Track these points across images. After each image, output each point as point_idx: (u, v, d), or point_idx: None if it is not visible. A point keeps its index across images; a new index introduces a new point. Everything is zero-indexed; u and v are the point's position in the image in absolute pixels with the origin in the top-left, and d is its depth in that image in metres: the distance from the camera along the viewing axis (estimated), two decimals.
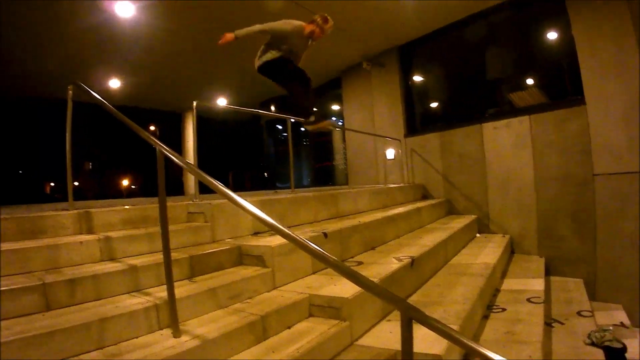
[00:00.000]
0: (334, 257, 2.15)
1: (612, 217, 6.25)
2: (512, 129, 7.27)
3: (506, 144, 7.31)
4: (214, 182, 2.50)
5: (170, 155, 2.67)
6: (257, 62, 5.28)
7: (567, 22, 6.72)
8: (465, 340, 1.86)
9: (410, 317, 1.91)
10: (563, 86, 7.27)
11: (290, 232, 2.27)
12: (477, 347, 1.84)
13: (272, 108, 13.57)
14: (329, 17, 5.08)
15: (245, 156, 16.78)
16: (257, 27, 4.93)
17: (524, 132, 7.09)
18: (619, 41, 6.21)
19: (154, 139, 2.80)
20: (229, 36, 4.88)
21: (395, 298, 2.05)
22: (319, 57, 9.96)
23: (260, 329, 2.85)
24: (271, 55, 5.18)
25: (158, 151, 2.68)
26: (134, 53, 9.17)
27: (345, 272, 2.13)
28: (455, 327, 3.34)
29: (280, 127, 15.19)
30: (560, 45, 7.25)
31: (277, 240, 3.71)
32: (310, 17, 5.09)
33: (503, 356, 2.91)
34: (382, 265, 4.23)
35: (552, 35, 7.46)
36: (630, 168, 6.10)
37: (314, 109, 5.79)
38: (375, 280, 3.65)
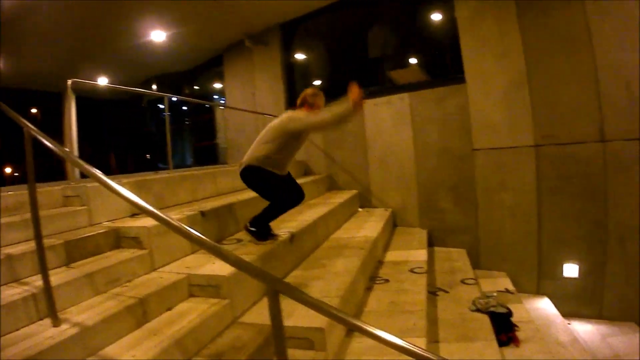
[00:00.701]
0: (198, 234, 2.16)
1: (491, 190, 6.69)
2: (392, 105, 7.49)
3: (386, 120, 7.53)
4: (83, 164, 2.43)
5: (38, 136, 2.53)
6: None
7: (451, 3, 7.01)
8: (330, 309, 1.95)
9: (276, 290, 1.95)
10: (444, 65, 7.62)
11: (160, 214, 2.23)
12: (340, 315, 1.96)
13: (154, 87, 13.17)
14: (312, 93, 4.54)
15: (128, 137, 16.17)
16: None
17: (404, 109, 7.35)
18: (501, 22, 6.60)
19: (23, 119, 2.62)
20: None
21: (260, 272, 2.07)
22: (200, 34, 9.69)
23: (140, 312, 2.83)
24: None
25: (26, 132, 2.59)
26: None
27: (212, 250, 2.14)
28: (336, 300, 3.52)
29: (162, 106, 14.77)
30: (443, 25, 7.54)
31: (153, 220, 3.66)
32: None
33: (388, 325, 3.15)
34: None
35: (435, 16, 7.72)
36: (508, 143, 6.57)
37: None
38: (254, 257, 3.72)
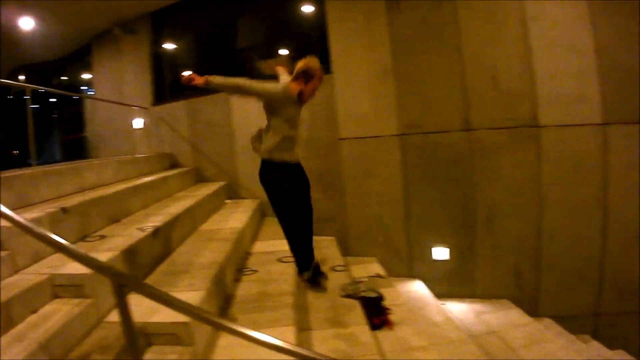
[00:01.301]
0: (40, 230, 2.12)
1: (358, 178, 6.81)
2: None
3: (253, 111, 7.17)
4: None
5: None
6: (264, 154, 4.37)
7: None
8: (177, 302, 1.96)
9: (121, 285, 1.92)
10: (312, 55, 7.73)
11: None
12: (187, 307, 1.97)
13: (21, 77, 12.31)
14: (312, 65, 4.25)
15: None
16: (238, 80, 4.10)
17: None
18: (370, 16, 6.73)
19: None
20: (199, 80, 4.03)
21: (104, 267, 2.11)
22: (67, 22, 9.13)
23: (5, 318, 2.62)
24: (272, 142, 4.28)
25: None
26: None
27: (54, 245, 2.10)
28: (202, 292, 3.45)
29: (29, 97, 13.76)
30: (312, 16, 7.55)
31: None
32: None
33: (257, 316, 3.03)
34: (124, 237, 4.06)
35: (305, 8, 7.72)
36: (373, 133, 6.72)
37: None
38: (116, 253, 3.54)
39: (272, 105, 4.21)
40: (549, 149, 6.68)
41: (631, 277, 7.03)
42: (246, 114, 7.52)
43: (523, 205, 6.77)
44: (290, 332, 3.42)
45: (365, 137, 6.81)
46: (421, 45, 6.71)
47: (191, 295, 3.33)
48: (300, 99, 4.25)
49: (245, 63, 8.27)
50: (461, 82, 6.63)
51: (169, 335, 2.93)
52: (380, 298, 5.14)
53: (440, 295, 6.69)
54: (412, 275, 6.86)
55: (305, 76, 4.18)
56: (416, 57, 6.73)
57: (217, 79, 4.04)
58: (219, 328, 1.81)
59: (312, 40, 7.72)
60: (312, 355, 1.88)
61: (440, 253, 6.81)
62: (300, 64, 4.21)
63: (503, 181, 6.69)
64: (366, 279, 5.54)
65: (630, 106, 6.82)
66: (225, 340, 3.31)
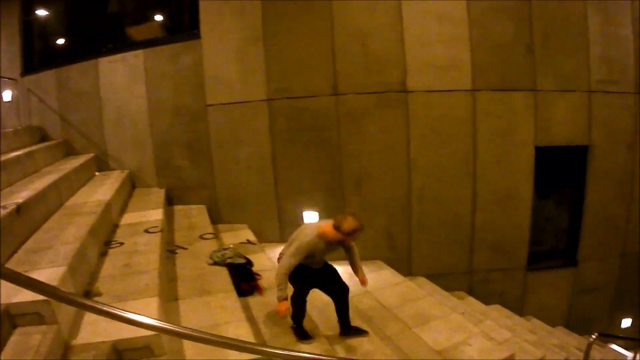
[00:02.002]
0: None
1: (226, 145, 6.77)
2: (127, 63, 7.18)
3: (121, 79, 7.22)
4: None
5: None
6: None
7: None
8: (30, 282, 1.85)
9: None
10: (182, 21, 7.53)
11: None
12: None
13: None
14: (352, 221, 4.08)
15: None
16: (284, 270, 4.02)
17: (138, 66, 7.07)
18: None
19: None
20: (285, 305, 4.00)
21: None
22: None
23: None
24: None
25: None
26: None
27: None
28: (63, 268, 3.31)
29: None
30: None
31: None
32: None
33: (123, 288, 3.01)
34: None
35: None
36: (241, 98, 6.66)
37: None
38: None
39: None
40: (417, 114, 6.86)
41: (500, 236, 7.37)
42: (113, 83, 7.29)
43: (392, 169, 6.94)
44: (154, 303, 3.38)
45: (233, 103, 6.74)
46: (292, 10, 6.67)
47: (52, 272, 3.20)
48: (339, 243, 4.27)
49: (115, 29, 8.00)
50: (331, 47, 6.64)
51: (34, 315, 2.80)
52: (247, 264, 5.18)
53: None
54: (284, 240, 6.75)
55: (347, 235, 4.09)
56: (286, 21, 6.69)
57: (283, 289, 4.01)
58: (75, 305, 1.74)
59: (183, 4, 7.55)
60: (166, 327, 1.98)
61: (311, 217, 6.86)
62: (351, 225, 4.05)
63: (372, 145, 6.81)
64: (232, 246, 5.52)
65: (498, 74, 7.15)
66: (90, 316, 3.19)
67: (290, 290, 4.14)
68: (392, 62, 6.77)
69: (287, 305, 3.94)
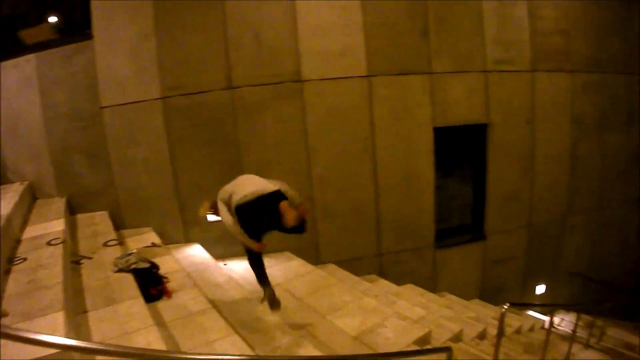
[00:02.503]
0: None
1: (123, 147, 6.64)
2: (19, 69, 6.93)
3: (14, 86, 6.95)
4: None
5: None
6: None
7: None
8: None
9: None
10: (74, 22, 7.32)
11: None
12: None
13: None
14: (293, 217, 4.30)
15: None
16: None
17: (31, 71, 6.84)
18: None
19: None
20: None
21: None
22: None
23: None
24: None
25: None
26: None
27: None
28: None
29: None
30: None
31: None
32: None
33: (29, 305, 3.03)
34: None
35: None
36: (135, 98, 6.57)
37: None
38: None
39: None
40: (313, 103, 7.03)
41: (406, 217, 7.66)
42: (7, 92, 6.91)
43: (292, 159, 7.08)
44: (61, 317, 3.31)
45: (128, 104, 6.63)
46: (184, 4, 6.63)
47: None
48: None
49: (6, 32, 7.75)
50: (224, 40, 6.67)
51: None
52: (153, 267, 5.16)
53: (220, 256, 6.88)
54: (190, 240, 6.96)
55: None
56: (179, 16, 6.64)
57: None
58: None
59: (75, 3, 7.35)
60: (72, 344, 1.96)
61: (214, 215, 6.88)
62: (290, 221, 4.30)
63: (269, 137, 6.92)
64: (135, 251, 5.45)
65: (394, 58, 7.40)
66: None
67: None
68: (285, 52, 6.88)
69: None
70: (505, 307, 4.46)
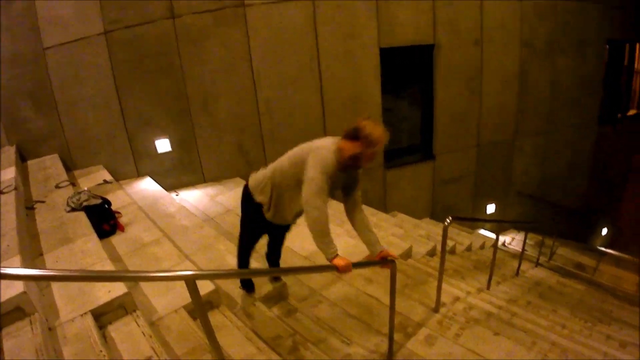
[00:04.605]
0: None
1: (69, 86, 6.75)
2: None
3: None
4: None
5: None
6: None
7: None
8: None
9: None
10: None
11: None
12: None
13: None
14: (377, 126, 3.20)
15: None
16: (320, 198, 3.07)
17: None
18: None
19: None
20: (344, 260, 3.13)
21: None
22: None
23: None
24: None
25: None
26: None
27: None
28: None
29: None
30: None
31: None
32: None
33: None
34: None
35: None
36: (78, 35, 6.65)
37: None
38: None
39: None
40: (257, 27, 7.30)
41: None
42: None
43: (237, 84, 7.42)
44: (17, 261, 3.47)
45: (70, 42, 6.71)
46: None
47: None
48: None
49: None
50: None
51: None
52: (105, 203, 5.35)
53: (171, 187, 7.30)
54: (141, 174, 7.27)
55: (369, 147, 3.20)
56: None
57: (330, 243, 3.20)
58: None
59: None
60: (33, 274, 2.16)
61: (163, 145, 7.24)
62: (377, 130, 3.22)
63: (214, 64, 7.19)
64: (86, 189, 5.58)
65: None
66: None
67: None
68: None
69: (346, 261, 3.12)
70: (448, 220, 4.61)
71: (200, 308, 2.43)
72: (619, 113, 14.00)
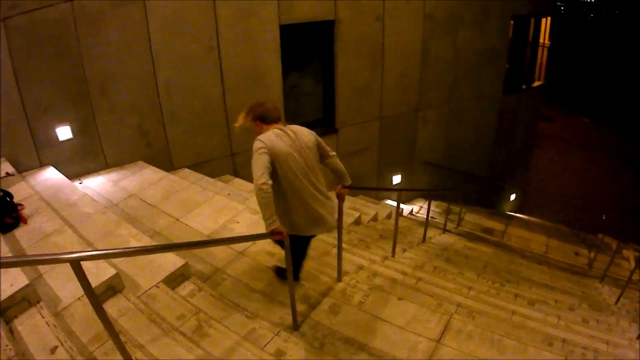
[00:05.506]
0: None
1: None
2: None
3: None
4: None
5: None
6: None
7: None
8: None
9: None
10: None
11: None
12: None
13: None
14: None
15: None
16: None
17: None
18: None
19: None
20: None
21: None
22: None
23: None
24: None
25: None
26: None
27: None
28: None
29: None
30: None
31: None
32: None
33: None
34: None
35: None
36: None
37: None
38: None
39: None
40: (155, 7, 7.43)
41: None
42: None
43: (136, 67, 7.57)
44: None
45: None
46: None
47: None
48: None
49: None
50: None
51: None
52: (6, 196, 5.31)
53: (75, 175, 7.35)
54: (44, 164, 7.15)
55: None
56: None
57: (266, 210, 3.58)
58: None
59: None
60: None
61: (64, 132, 7.18)
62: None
63: (112, 47, 7.28)
64: None
65: None
66: None
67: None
68: None
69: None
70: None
71: (89, 292, 2.58)
72: (524, 84, 14.94)
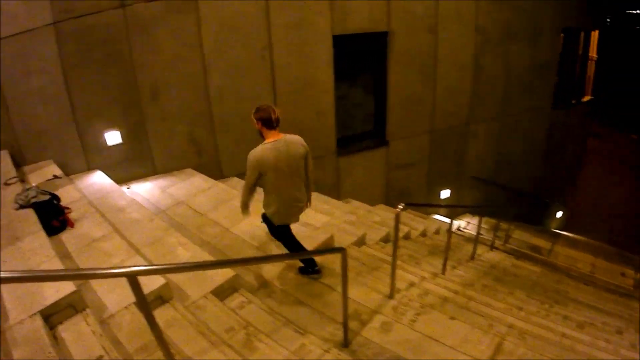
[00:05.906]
0: None
1: (18, 80, 6.51)
2: None
3: None
4: None
5: None
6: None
7: None
8: None
9: None
10: None
11: None
12: None
13: None
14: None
15: None
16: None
17: None
18: None
19: None
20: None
21: None
22: None
23: None
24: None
25: None
26: None
27: None
28: None
29: None
30: None
31: None
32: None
33: None
34: None
35: None
36: (26, 27, 6.49)
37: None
38: None
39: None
40: (208, 15, 7.41)
41: (306, 125, 8.46)
42: None
43: (188, 74, 7.54)
44: None
45: (19, 33, 6.53)
46: None
47: None
48: None
49: None
50: None
51: None
52: (54, 199, 5.29)
53: (122, 180, 7.34)
54: (92, 167, 7.26)
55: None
56: None
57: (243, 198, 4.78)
58: None
59: None
60: None
61: (113, 137, 7.28)
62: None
63: (164, 53, 7.28)
64: (34, 185, 5.60)
65: None
66: None
67: None
68: None
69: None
70: (401, 207, 4.77)
71: (143, 305, 2.50)
72: (574, 99, 14.50)
